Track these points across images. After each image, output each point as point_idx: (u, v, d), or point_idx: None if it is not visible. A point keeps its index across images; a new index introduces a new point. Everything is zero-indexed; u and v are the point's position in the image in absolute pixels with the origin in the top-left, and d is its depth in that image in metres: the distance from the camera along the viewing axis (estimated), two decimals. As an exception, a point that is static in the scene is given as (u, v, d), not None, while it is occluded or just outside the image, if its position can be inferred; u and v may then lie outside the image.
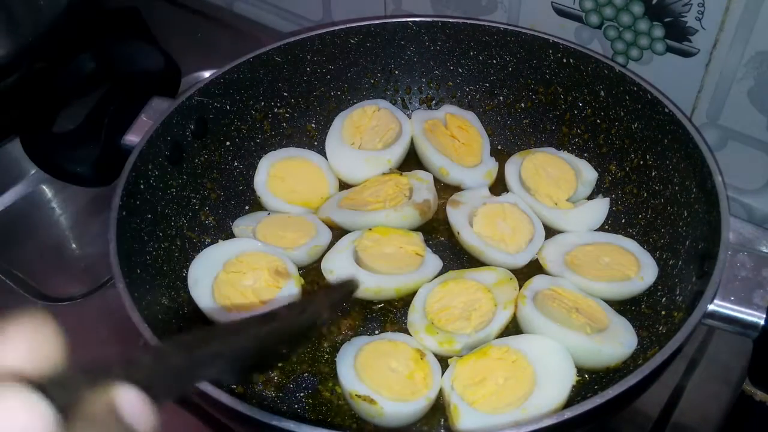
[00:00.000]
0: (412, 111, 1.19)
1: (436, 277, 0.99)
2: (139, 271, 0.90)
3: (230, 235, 1.07)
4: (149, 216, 0.97)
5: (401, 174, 1.10)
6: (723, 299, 0.79)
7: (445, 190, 1.11)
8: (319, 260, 1.01)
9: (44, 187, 1.29)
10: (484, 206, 1.05)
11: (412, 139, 1.14)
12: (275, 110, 1.15)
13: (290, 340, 0.54)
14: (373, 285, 0.96)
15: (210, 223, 1.07)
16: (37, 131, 1.03)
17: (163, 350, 0.40)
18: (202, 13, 1.56)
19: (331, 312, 0.56)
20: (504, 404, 0.83)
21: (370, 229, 1.02)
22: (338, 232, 1.05)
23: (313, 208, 1.08)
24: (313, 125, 1.18)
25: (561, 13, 1.13)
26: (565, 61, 1.08)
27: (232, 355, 0.45)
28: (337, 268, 0.98)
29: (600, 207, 1.06)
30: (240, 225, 1.06)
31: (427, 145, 1.12)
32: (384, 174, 1.11)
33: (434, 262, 1.00)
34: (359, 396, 0.83)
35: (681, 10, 1.01)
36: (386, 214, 1.03)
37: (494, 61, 1.15)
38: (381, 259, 0.99)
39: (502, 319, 0.93)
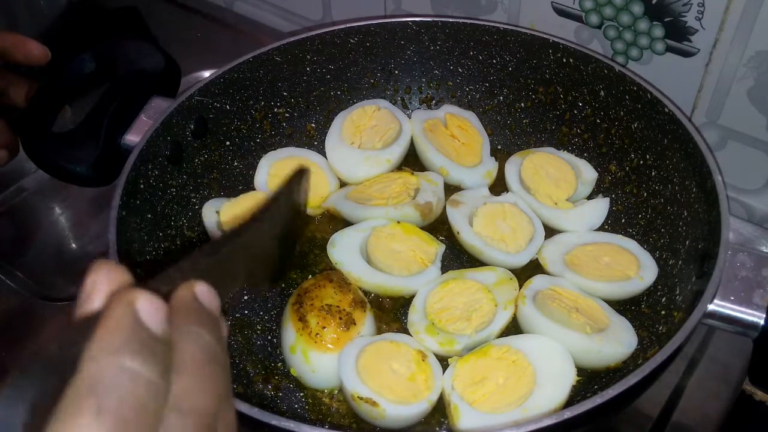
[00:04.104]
0: (412, 111, 1.19)
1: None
2: (138, 271, 0.90)
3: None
4: (149, 216, 0.97)
5: (412, 173, 1.10)
6: (723, 299, 0.79)
7: (446, 189, 1.11)
8: None
9: (44, 187, 1.29)
10: (484, 206, 1.05)
11: (412, 138, 1.14)
12: (275, 110, 1.15)
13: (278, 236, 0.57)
14: (356, 274, 0.97)
15: (210, 223, 1.07)
16: (37, 131, 1.03)
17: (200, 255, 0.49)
18: (202, 13, 1.56)
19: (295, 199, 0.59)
20: (504, 404, 0.83)
21: (398, 222, 1.02)
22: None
23: (312, 207, 1.08)
24: (313, 125, 1.18)
25: (561, 12, 1.13)
26: (565, 61, 1.08)
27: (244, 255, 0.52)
28: (342, 245, 1.00)
29: (600, 207, 1.06)
30: (208, 207, 1.05)
31: (427, 145, 1.12)
32: (395, 171, 1.11)
33: (431, 274, 0.99)
34: (361, 398, 0.83)
35: (681, 9, 1.01)
36: (386, 211, 1.03)
37: (494, 61, 1.15)
38: (385, 254, 0.99)
39: (503, 319, 0.93)
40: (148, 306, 0.41)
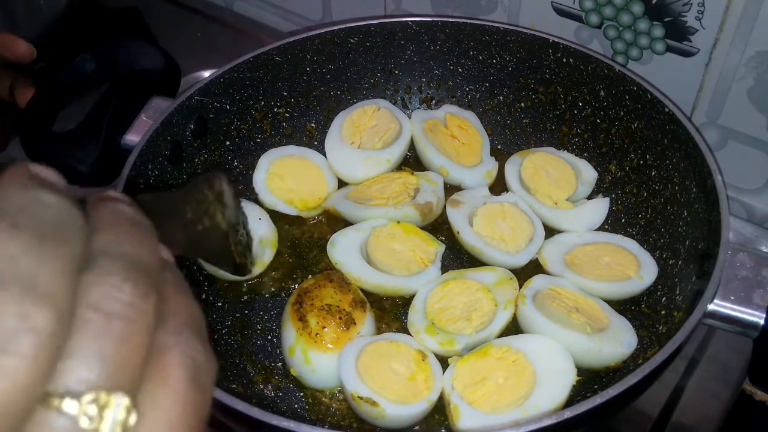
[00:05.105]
0: (412, 111, 1.19)
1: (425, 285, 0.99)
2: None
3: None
4: (149, 216, 0.97)
5: (412, 173, 1.10)
6: (723, 299, 0.79)
7: (446, 189, 1.11)
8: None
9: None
10: (484, 206, 1.05)
11: (411, 138, 1.14)
12: (275, 110, 1.15)
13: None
14: (356, 274, 0.97)
15: (210, 222, 1.07)
16: (37, 131, 1.03)
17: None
18: (202, 13, 1.56)
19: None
20: (504, 404, 0.83)
21: (398, 222, 1.02)
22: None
23: (309, 208, 1.08)
24: (313, 125, 1.18)
25: (561, 12, 1.13)
26: (565, 60, 1.08)
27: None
28: (341, 245, 1.01)
29: (600, 207, 1.06)
30: None
31: (427, 145, 1.12)
32: (395, 171, 1.11)
33: (430, 274, 0.99)
34: (361, 398, 0.83)
35: (681, 9, 1.01)
36: (386, 211, 1.03)
37: (494, 61, 1.15)
38: (385, 254, 0.99)
39: (503, 319, 0.93)
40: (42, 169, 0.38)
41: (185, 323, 0.38)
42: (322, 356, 0.88)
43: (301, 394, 0.91)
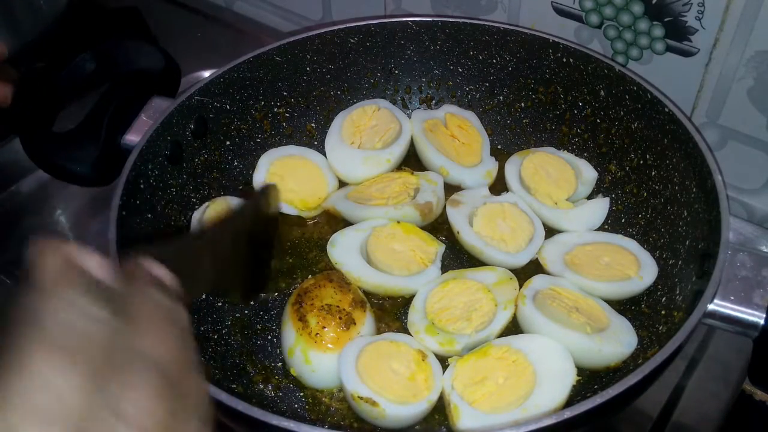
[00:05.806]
0: (412, 110, 1.19)
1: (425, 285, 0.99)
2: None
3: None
4: (149, 216, 0.97)
5: (412, 173, 1.10)
6: (723, 299, 0.79)
7: (445, 189, 1.11)
8: None
9: (44, 187, 1.29)
10: (484, 206, 1.05)
11: (411, 138, 1.14)
12: (275, 110, 1.15)
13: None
14: (356, 274, 0.98)
15: (210, 222, 1.07)
16: (37, 131, 1.03)
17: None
18: (202, 13, 1.56)
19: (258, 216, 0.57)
20: (504, 404, 0.83)
21: (398, 222, 1.02)
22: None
23: (309, 208, 1.08)
24: (313, 125, 1.18)
25: (561, 12, 1.13)
26: (565, 60, 1.08)
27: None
28: (342, 245, 1.01)
29: (600, 207, 1.06)
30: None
31: (427, 145, 1.12)
32: (395, 171, 1.11)
33: (430, 274, 0.99)
34: (361, 398, 0.83)
35: (681, 9, 1.01)
36: (386, 211, 1.03)
37: (494, 61, 1.15)
38: (385, 254, 0.99)
39: (503, 319, 0.93)
40: (88, 256, 0.43)
41: (196, 409, 0.43)
42: (322, 356, 0.88)
43: (301, 394, 0.91)
